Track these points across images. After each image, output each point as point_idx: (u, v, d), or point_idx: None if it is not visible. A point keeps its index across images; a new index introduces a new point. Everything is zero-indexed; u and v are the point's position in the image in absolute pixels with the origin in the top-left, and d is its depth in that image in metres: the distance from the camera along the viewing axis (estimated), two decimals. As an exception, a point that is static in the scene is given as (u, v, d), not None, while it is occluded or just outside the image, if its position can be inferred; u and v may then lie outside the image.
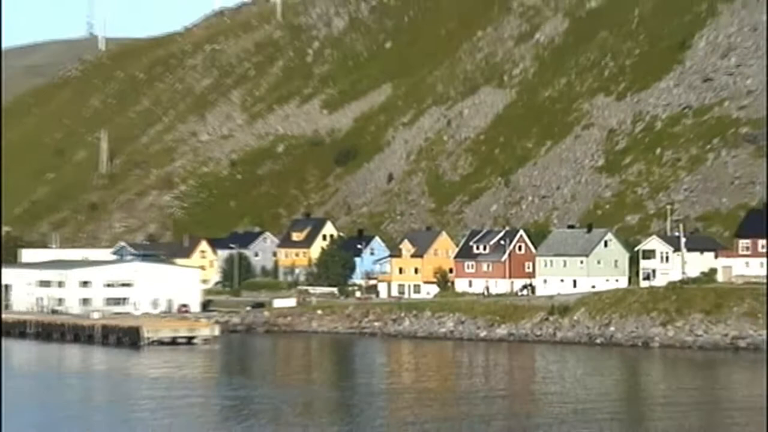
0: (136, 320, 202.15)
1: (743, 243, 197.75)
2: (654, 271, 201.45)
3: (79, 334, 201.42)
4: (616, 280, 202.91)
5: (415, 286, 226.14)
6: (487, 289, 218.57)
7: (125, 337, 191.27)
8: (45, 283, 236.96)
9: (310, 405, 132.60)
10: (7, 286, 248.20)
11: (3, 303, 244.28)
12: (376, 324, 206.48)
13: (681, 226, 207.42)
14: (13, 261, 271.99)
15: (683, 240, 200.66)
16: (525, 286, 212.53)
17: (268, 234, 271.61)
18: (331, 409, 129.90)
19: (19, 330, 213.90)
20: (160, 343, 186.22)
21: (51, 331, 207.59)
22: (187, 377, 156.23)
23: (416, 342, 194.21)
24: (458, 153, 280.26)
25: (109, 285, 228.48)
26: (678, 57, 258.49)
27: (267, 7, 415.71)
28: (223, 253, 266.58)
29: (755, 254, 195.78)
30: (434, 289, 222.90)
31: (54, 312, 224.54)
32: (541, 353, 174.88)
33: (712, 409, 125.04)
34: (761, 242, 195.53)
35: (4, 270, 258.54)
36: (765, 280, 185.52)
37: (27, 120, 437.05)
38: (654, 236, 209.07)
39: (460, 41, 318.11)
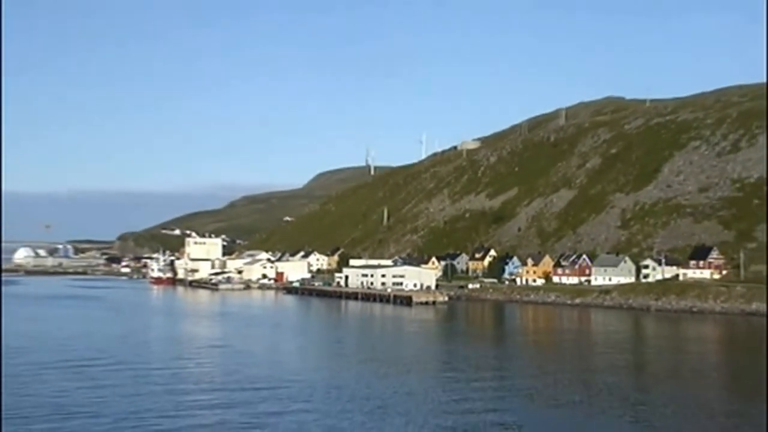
0: (408, 293, 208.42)
1: (693, 262, 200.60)
2: (648, 275, 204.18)
3: (382, 298, 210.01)
4: (630, 279, 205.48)
5: (533, 280, 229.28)
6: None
7: (404, 300, 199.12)
8: (364, 275, 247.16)
9: (485, 330, 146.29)
10: (347, 276, 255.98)
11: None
12: (517, 296, 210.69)
13: (661, 254, 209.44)
14: (346, 265, 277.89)
15: (663, 260, 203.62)
16: (586, 281, 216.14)
17: (463, 254, 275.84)
18: (492, 334, 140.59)
19: (353, 296, 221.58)
20: (420, 303, 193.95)
21: (369, 296, 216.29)
22: (434, 319, 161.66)
23: (535, 305, 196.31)
24: (550, 218, 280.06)
25: (393, 276, 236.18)
26: (655, 176, 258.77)
27: (458, 152, 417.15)
28: (443, 263, 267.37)
29: (698, 268, 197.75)
30: (542, 282, 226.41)
31: (369, 288, 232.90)
32: (595, 312, 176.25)
33: (674, 337, 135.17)
34: (701, 262, 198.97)
35: (345, 269, 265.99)
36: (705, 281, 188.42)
37: (347, 201, 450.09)
38: (649, 258, 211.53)
39: (550, 167, 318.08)
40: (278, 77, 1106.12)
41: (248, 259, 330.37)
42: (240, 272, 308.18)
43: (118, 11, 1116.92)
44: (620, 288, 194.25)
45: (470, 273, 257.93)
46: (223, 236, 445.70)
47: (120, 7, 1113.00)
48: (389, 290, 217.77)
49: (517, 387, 74.37)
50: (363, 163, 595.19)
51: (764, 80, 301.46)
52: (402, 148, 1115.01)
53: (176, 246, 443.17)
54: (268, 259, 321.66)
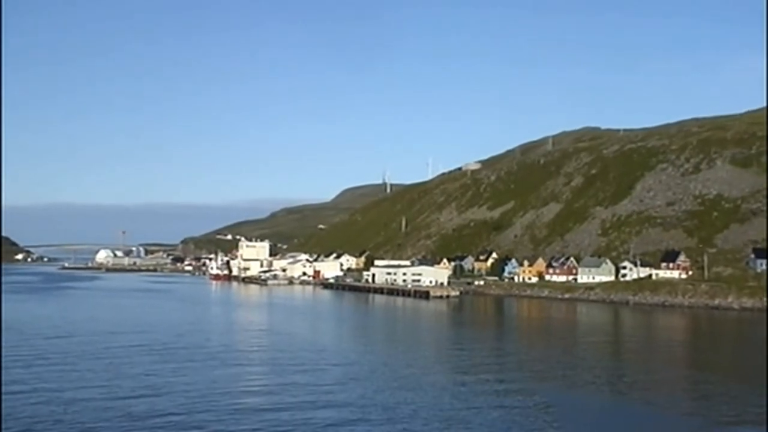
0: (426, 288, 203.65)
1: (664, 264, 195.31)
2: (626, 274, 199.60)
3: (403, 292, 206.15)
4: (610, 278, 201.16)
5: (529, 278, 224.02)
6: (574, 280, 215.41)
7: (423, 294, 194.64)
8: (389, 273, 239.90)
9: (490, 319, 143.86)
10: (374, 274, 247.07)
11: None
12: (515, 292, 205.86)
13: (636, 257, 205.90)
14: (372, 265, 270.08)
15: (638, 262, 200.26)
16: (574, 279, 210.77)
17: (469, 256, 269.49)
18: (496, 321, 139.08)
19: (379, 291, 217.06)
20: (436, 297, 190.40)
21: (392, 291, 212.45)
22: (446, 309, 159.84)
23: (530, 299, 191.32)
24: (541, 227, 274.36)
25: (413, 274, 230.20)
26: (629, 192, 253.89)
27: (463, 172, 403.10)
28: (453, 263, 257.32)
29: (669, 269, 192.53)
30: (536, 279, 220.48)
31: (392, 284, 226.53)
32: (581, 305, 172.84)
33: (648, 326, 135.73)
34: (671, 264, 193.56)
35: (371, 268, 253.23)
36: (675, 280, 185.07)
37: (371, 213, 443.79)
38: (626, 260, 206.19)
39: (541, 185, 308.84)
40: (308, 119, 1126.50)
41: (291, 260, 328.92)
42: (284, 270, 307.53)
43: (180, 45, 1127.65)
44: (602, 285, 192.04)
45: (476, 272, 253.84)
46: (267, 241, 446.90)
47: (180, 40, 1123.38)
48: (410, 286, 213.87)
49: (518, 362, 76.06)
50: (380, 181, 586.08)
51: (716, 114, 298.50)
52: (412, 168, 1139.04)
53: (228, 249, 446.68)
54: (307, 260, 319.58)
